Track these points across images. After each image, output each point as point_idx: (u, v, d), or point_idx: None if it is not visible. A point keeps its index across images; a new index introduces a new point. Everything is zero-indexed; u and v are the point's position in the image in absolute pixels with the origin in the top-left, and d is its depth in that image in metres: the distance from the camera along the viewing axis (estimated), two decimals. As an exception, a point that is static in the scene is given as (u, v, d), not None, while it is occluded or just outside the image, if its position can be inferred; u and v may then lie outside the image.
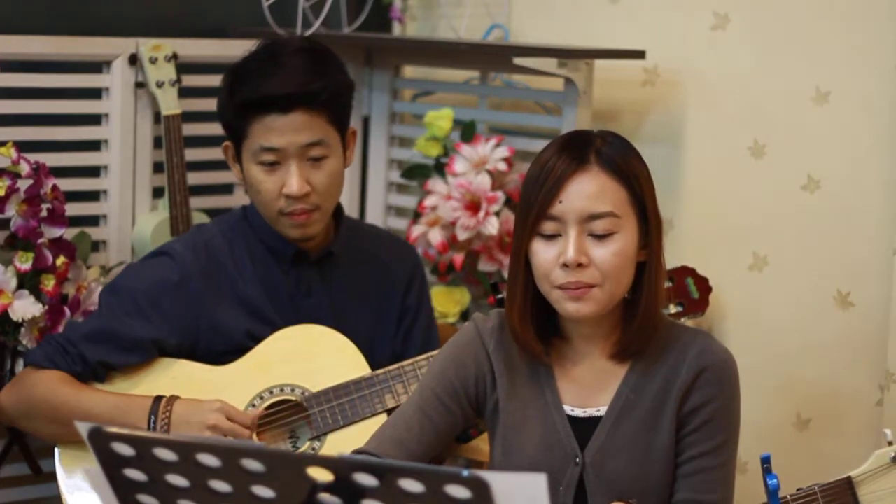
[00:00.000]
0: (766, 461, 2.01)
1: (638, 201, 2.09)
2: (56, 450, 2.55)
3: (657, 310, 2.13)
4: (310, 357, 2.57)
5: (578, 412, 2.15)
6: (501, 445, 2.18)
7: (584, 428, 2.14)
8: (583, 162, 2.06)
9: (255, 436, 2.50)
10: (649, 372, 2.14)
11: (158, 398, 2.48)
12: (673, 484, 2.14)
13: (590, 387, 2.16)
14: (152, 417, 2.46)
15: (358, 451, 2.19)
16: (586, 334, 2.15)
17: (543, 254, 2.07)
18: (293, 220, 2.55)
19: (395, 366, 2.57)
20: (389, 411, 2.52)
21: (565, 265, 2.04)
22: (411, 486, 1.25)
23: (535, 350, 2.14)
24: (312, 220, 2.56)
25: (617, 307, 2.12)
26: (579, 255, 2.04)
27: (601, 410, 2.15)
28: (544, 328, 2.15)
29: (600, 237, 2.05)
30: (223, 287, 2.58)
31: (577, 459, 2.13)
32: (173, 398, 2.48)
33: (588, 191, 2.05)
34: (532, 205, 2.07)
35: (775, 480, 2.01)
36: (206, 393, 2.51)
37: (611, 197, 2.06)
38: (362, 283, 2.69)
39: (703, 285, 2.94)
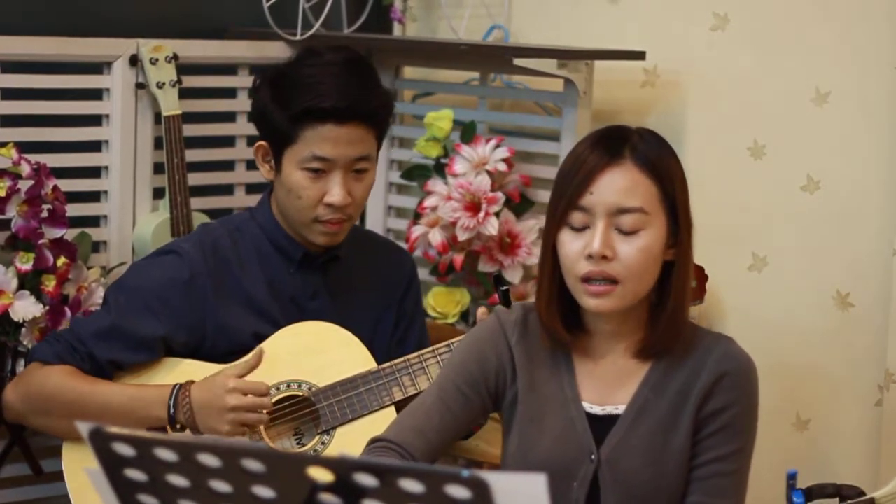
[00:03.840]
0: (791, 477, 2.00)
1: (669, 200, 2.09)
2: (63, 446, 2.55)
3: (684, 311, 2.13)
4: (316, 353, 2.58)
5: (597, 409, 2.15)
6: (517, 438, 2.18)
7: (601, 425, 2.14)
8: (617, 156, 2.07)
9: (263, 431, 2.52)
10: (670, 373, 2.14)
11: (174, 386, 2.50)
12: (686, 486, 2.13)
13: (610, 384, 2.16)
14: (172, 408, 2.48)
15: (376, 439, 2.19)
16: (610, 331, 2.15)
17: (570, 245, 2.08)
18: (327, 228, 2.57)
19: (402, 359, 2.59)
20: (397, 404, 2.53)
21: (590, 256, 2.05)
22: (411, 486, 1.25)
23: (559, 335, 2.14)
24: (343, 229, 2.60)
25: (642, 306, 2.12)
26: (604, 247, 2.04)
27: (620, 409, 2.14)
28: (569, 323, 2.15)
29: (627, 233, 2.06)
30: (230, 287, 2.59)
31: (593, 456, 2.12)
32: (188, 384, 2.50)
33: (619, 185, 2.06)
34: (563, 195, 2.08)
35: (802, 500, 2.00)
36: None
37: (642, 193, 2.06)
38: (363, 287, 2.71)
39: (700, 273, 2.96)
